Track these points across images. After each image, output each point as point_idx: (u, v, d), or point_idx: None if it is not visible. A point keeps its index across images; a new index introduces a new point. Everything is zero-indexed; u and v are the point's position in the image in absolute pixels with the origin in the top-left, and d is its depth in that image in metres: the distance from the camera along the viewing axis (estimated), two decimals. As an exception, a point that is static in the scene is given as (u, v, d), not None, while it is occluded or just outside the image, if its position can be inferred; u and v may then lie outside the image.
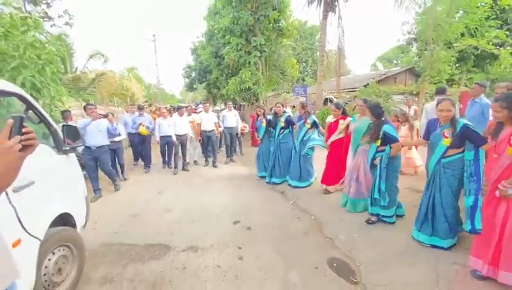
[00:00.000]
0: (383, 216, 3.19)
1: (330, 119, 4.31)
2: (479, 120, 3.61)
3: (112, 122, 5.24)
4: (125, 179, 5.65)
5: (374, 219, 3.25)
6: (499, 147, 2.07)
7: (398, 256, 2.57)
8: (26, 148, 0.88)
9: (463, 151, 2.42)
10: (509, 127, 2.03)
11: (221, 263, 2.62)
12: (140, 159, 6.82)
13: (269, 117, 5.14)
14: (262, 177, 5.31)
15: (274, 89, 16.77)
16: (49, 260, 2.01)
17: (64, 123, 3.34)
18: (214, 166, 6.63)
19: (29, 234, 1.74)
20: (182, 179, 5.72)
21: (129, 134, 6.33)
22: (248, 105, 11.71)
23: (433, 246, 2.61)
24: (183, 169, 6.34)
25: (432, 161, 2.60)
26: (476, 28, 8.51)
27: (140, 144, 6.49)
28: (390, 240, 2.86)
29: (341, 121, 4.10)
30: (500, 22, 10.41)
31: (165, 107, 9.88)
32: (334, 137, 4.14)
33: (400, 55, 27.37)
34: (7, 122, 0.85)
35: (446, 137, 2.44)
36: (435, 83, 9.64)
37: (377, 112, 3.07)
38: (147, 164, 6.55)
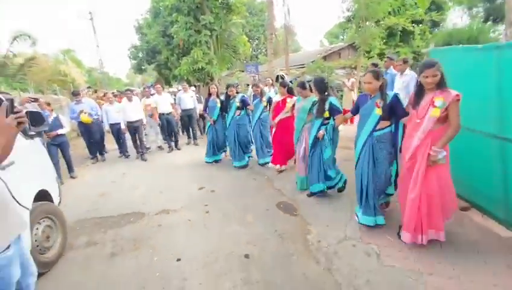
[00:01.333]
0: (329, 188, 3.31)
1: (277, 98, 4.32)
2: (390, 88, 4.57)
3: (44, 110, 4.51)
4: (73, 178, 4.98)
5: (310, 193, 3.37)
6: (421, 112, 2.13)
7: (324, 199, 3.38)
8: (20, 124, 1.16)
9: (391, 124, 2.50)
10: (431, 92, 2.09)
11: (191, 217, 3.16)
12: (98, 153, 6.19)
13: (222, 98, 4.99)
14: (208, 162, 5.19)
15: (228, 68, 16.88)
16: (37, 229, 2.32)
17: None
18: (177, 148, 6.52)
19: (20, 204, 2.04)
20: (143, 165, 5.67)
21: (79, 124, 5.76)
22: (203, 85, 11.81)
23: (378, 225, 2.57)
24: (141, 159, 5.89)
25: (363, 132, 2.55)
26: (399, 7, 9.75)
27: (92, 134, 5.77)
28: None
29: (288, 100, 4.11)
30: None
31: (112, 93, 9.28)
32: (281, 115, 4.14)
33: (346, 31, 29.12)
34: (2, 104, 1.18)
35: (379, 106, 2.43)
36: (368, 58, 10.94)
37: (321, 87, 3.14)
38: (100, 152, 6.15)
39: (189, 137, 7.03)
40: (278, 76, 13.02)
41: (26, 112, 2.73)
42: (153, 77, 29.81)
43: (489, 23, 16.19)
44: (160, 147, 6.80)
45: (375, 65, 4.85)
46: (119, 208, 3.56)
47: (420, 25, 12.33)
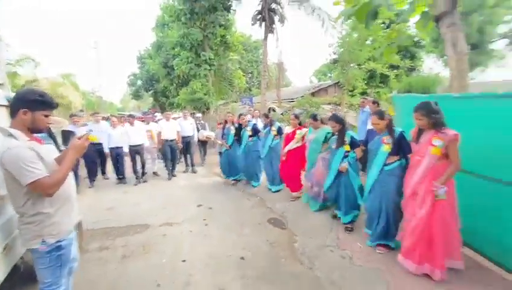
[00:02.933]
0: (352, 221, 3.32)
1: (287, 130, 4.51)
2: (365, 124, 5.34)
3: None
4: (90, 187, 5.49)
5: (350, 226, 3.29)
6: (421, 150, 2.25)
7: (309, 215, 3.90)
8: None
9: (400, 159, 2.60)
10: (429, 131, 2.22)
11: (192, 229, 3.58)
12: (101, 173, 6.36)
13: (236, 126, 5.35)
14: (235, 180, 5.56)
15: (224, 98, 17.89)
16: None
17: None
18: (173, 175, 6.44)
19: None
20: (142, 186, 5.86)
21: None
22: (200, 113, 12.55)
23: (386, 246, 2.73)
24: (142, 181, 6.03)
25: (373, 168, 2.68)
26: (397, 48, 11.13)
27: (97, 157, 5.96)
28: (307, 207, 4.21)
29: (298, 131, 4.26)
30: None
31: (114, 116, 9.59)
32: (291, 146, 4.27)
33: (333, 70, 31.57)
34: (87, 132, 1.75)
35: (386, 144, 2.57)
36: (352, 96, 12.12)
37: (340, 120, 3.27)
38: (102, 172, 6.33)
39: (187, 165, 6.99)
40: (269, 108, 13.99)
41: (62, 131, 3.26)
42: (148, 103, 30.67)
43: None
44: (155, 173, 6.70)
45: (375, 102, 5.15)
46: (126, 220, 3.93)
47: (396, 70, 13.91)
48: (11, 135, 1.51)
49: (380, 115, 2.64)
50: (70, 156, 1.64)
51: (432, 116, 2.16)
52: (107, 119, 7.59)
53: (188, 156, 6.95)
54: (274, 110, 13.89)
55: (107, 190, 5.69)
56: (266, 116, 4.98)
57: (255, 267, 2.67)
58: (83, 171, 5.84)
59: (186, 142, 6.75)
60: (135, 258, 2.92)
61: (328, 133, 3.50)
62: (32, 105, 1.56)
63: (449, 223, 2.17)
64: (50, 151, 1.73)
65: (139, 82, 23.52)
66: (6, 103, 2.08)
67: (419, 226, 2.20)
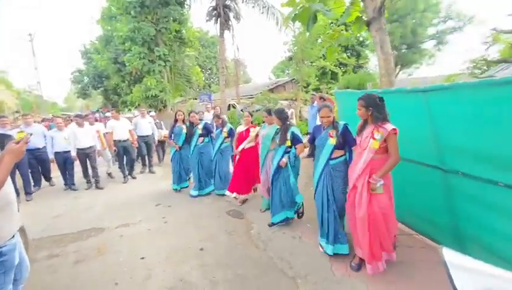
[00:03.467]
0: (296, 213, 3.41)
1: (241, 128, 4.36)
2: (314, 118, 5.81)
3: None
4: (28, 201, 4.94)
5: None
6: (363, 142, 2.29)
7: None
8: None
9: (345, 154, 2.66)
10: (371, 125, 2.26)
11: (150, 227, 3.59)
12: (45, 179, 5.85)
13: (187, 125, 4.96)
14: (176, 190, 5.09)
15: (182, 95, 17.43)
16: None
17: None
18: (132, 177, 6.20)
19: None
20: (95, 189, 5.61)
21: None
22: (156, 111, 12.06)
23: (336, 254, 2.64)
24: (96, 187, 5.63)
25: (320, 162, 2.69)
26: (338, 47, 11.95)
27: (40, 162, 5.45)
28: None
29: (252, 129, 4.20)
30: (343, 46, 14.91)
31: (58, 117, 8.78)
32: (244, 144, 4.18)
33: (289, 67, 32.78)
34: (26, 136, 1.71)
35: (332, 137, 2.60)
36: (306, 92, 12.85)
37: (282, 116, 3.30)
38: (46, 178, 5.81)
39: (144, 165, 6.76)
40: (229, 105, 14.08)
41: (-2, 134, 2.98)
42: (97, 102, 28.31)
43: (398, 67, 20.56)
44: (110, 175, 6.37)
45: (321, 98, 5.62)
46: (77, 225, 3.76)
47: (344, 67, 15.11)
48: None
49: (330, 108, 2.65)
50: (7, 160, 1.59)
51: (369, 109, 2.23)
52: (51, 121, 6.94)
53: (146, 156, 6.67)
54: (234, 107, 14.03)
55: (55, 196, 5.27)
56: (218, 116, 4.74)
57: (214, 255, 2.84)
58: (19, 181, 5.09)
59: (145, 142, 6.48)
60: (89, 261, 2.86)
61: (278, 129, 3.46)
62: None
63: (387, 217, 2.21)
64: None
65: (86, 79, 21.59)
66: None
67: (368, 217, 2.20)
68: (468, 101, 1.99)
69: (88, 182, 5.68)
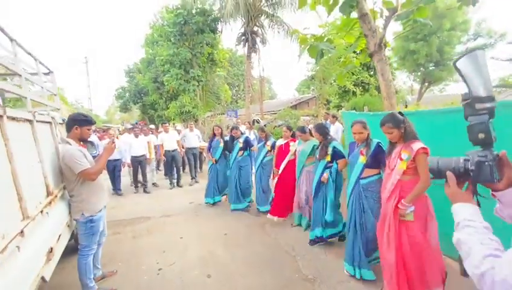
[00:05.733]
0: (331, 236, 3.22)
1: (280, 142, 4.30)
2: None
3: None
4: None
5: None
6: (391, 162, 2.13)
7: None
8: None
9: (379, 173, 2.48)
10: (399, 145, 2.10)
11: (187, 218, 4.51)
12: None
13: (226, 138, 5.07)
14: (208, 203, 5.10)
15: (211, 110, 18.95)
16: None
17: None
18: (179, 185, 6.64)
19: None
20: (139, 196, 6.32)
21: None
22: (186, 126, 13.46)
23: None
24: (144, 191, 6.25)
25: (350, 180, 2.59)
26: (348, 73, 12.61)
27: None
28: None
29: (291, 143, 4.13)
30: (364, 65, 15.53)
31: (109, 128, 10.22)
32: (287, 159, 4.08)
33: (312, 85, 33.59)
34: (112, 140, 2.66)
35: (363, 154, 2.46)
36: (327, 109, 13.49)
37: (323, 131, 3.23)
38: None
39: (192, 177, 7.01)
40: (253, 120, 15.13)
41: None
42: (134, 115, 31.21)
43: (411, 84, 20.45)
44: (155, 184, 6.83)
45: (334, 116, 6.39)
46: (129, 215, 4.79)
47: (367, 86, 15.59)
48: (68, 143, 2.41)
49: (364, 124, 2.49)
50: (105, 155, 2.55)
51: (401, 127, 2.05)
52: (104, 132, 8.25)
53: (195, 168, 7.10)
54: (258, 122, 15.03)
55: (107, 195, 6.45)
56: (262, 130, 4.67)
57: (235, 239, 3.64)
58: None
59: (193, 154, 6.99)
60: (143, 237, 3.82)
61: (315, 145, 3.47)
62: (80, 123, 2.45)
63: (422, 248, 1.96)
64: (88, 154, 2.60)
65: (127, 95, 24.21)
66: (62, 122, 3.01)
67: (397, 260, 1.98)
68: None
69: (136, 186, 6.37)
